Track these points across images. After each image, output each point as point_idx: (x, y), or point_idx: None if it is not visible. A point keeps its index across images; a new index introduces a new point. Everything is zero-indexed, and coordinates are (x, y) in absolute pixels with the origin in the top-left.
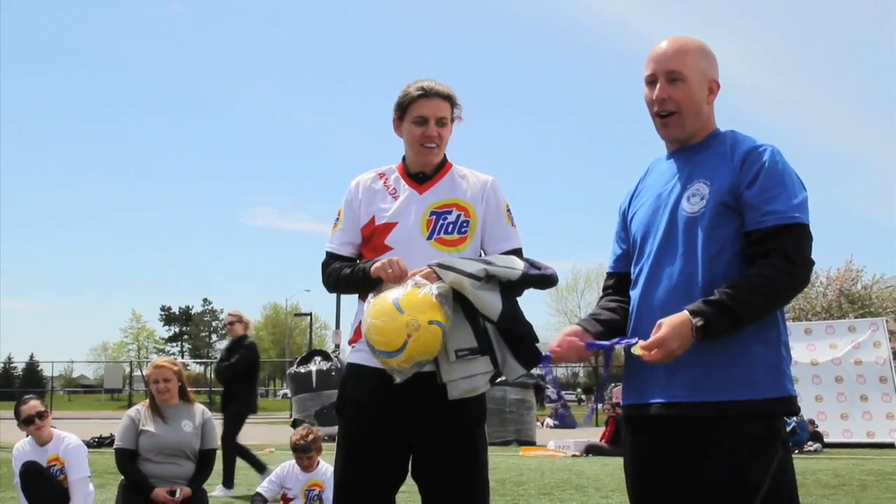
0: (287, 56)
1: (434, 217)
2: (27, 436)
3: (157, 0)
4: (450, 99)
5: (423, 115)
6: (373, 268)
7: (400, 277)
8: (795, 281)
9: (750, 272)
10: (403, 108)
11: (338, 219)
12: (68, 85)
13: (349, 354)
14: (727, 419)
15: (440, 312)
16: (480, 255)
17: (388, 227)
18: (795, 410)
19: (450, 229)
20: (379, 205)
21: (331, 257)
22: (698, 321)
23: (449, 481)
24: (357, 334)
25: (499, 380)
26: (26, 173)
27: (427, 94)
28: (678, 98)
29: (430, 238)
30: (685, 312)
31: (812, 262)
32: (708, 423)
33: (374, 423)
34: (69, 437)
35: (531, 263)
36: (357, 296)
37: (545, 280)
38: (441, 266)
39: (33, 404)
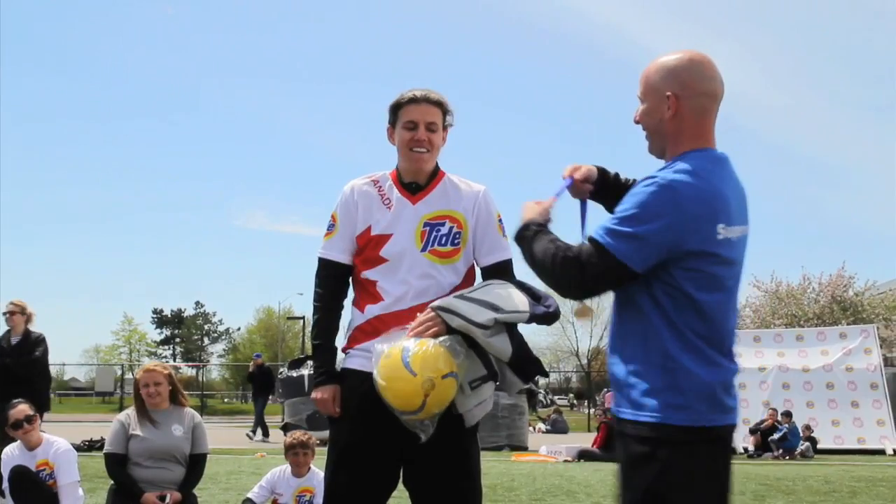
0: (279, 58)
1: (427, 229)
2: (16, 440)
3: (151, 2)
4: (440, 105)
5: (412, 120)
6: (315, 394)
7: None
8: (557, 274)
9: (561, 243)
10: (394, 114)
11: (333, 224)
12: (61, 87)
13: (343, 360)
14: (623, 435)
15: (452, 362)
16: (473, 264)
17: (383, 238)
18: (674, 439)
19: (443, 241)
20: (375, 214)
21: (326, 265)
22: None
23: (441, 489)
24: (350, 342)
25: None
26: (18, 175)
27: (417, 99)
28: (639, 119)
29: (424, 250)
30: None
31: (586, 284)
32: (620, 435)
33: (365, 429)
34: (58, 442)
35: (530, 293)
36: (351, 303)
37: (550, 318)
38: (445, 310)
39: (21, 408)
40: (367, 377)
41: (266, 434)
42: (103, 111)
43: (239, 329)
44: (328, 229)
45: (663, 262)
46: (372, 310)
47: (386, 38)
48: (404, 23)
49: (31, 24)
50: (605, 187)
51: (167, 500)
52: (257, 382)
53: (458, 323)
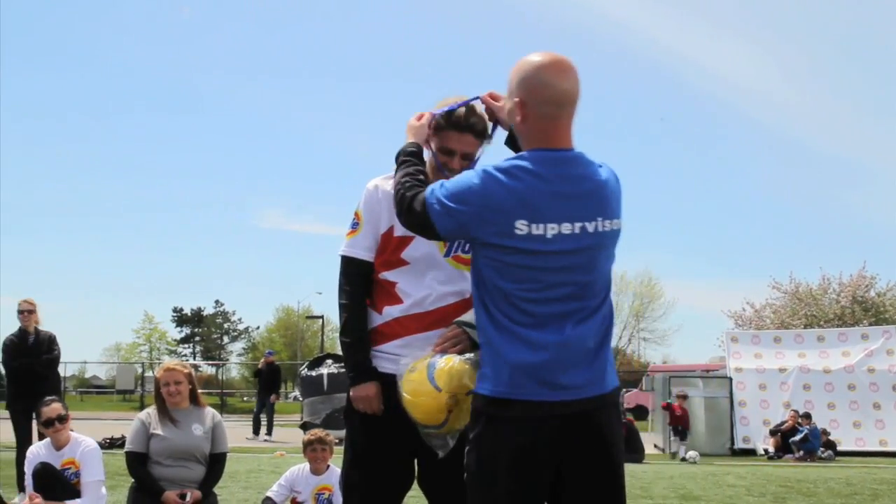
0: (295, 55)
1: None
2: (43, 437)
3: (168, 2)
4: (483, 136)
5: (451, 149)
6: (356, 391)
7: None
8: (404, 205)
9: (408, 180)
10: (436, 129)
11: (357, 223)
12: (80, 82)
13: None
14: None
15: (476, 378)
16: None
17: (405, 240)
18: (486, 409)
19: (466, 247)
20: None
21: (350, 263)
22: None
23: (456, 486)
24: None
25: None
26: (37, 172)
27: (461, 127)
28: (507, 115)
29: (447, 255)
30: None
31: (402, 217)
32: None
33: (379, 429)
34: (86, 441)
35: None
36: (367, 302)
37: None
38: (470, 326)
39: (55, 407)
40: (384, 379)
41: (256, 432)
42: (120, 108)
43: (258, 328)
44: (352, 227)
45: (474, 248)
46: (391, 311)
47: (402, 34)
48: (420, 18)
49: (42, 19)
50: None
51: (188, 498)
52: (265, 380)
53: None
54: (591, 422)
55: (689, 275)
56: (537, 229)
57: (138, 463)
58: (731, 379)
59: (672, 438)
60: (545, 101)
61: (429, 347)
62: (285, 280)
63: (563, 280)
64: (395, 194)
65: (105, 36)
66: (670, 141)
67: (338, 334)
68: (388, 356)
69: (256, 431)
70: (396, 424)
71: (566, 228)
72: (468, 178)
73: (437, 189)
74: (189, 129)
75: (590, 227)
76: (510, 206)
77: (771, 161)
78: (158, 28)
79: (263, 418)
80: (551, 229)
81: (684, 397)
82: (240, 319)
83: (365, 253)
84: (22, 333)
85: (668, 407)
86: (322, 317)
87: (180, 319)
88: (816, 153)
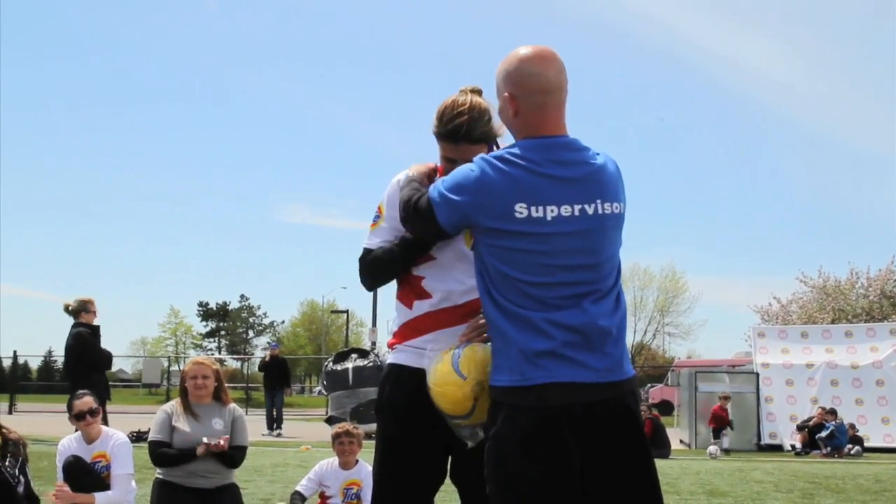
0: (319, 49)
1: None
2: (76, 430)
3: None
4: (485, 140)
5: (449, 157)
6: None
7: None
8: (410, 209)
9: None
10: (436, 137)
11: (378, 216)
12: (108, 76)
13: (389, 355)
14: None
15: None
16: None
17: None
18: (504, 400)
19: None
20: None
21: (367, 253)
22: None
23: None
24: (396, 337)
25: None
26: (63, 165)
27: (456, 139)
28: (500, 118)
29: (474, 248)
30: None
31: (407, 213)
32: None
33: (411, 424)
34: (117, 434)
35: None
36: (395, 297)
37: None
38: None
39: (87, 400)
40: (415, 372)
41: (271, 427)
42: (149, 101)
43: (283, 322)
44: (374, 220)
45: (476, 237)
46: (420, 307)
47: (431, 27)
48: (449, 11)
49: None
50: None
51: (220, 442)
52: (272, 374)
53: None
54: (618, 409)
55: (714, 269)
56: (537, 212)
57: (161, 448)
58: (757, 374)
59: (714, 441)
60: (534, 90)
61: (454, 333)
62: (310, 275)
63: (568, 263)
64: (403, 207)
65: (134, 30)
66: (696, 135)
67: (362, 329)
68: (418, 351)
69: (271, 426)
70: (429, 418)
71: (565, 211)
72: (465, 168)
73: (438, 184)
74: (216, 124)
75: (589, 209)
76: (508, 191)
77: (799, 155)
78: (187, 21)
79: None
80: (551, 212)
81: (727, 398)
82: (265, 314)
83: (385, 245)
84: (94, 329)
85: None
86: (347, 311)
87: (206, 314)
88: (846, 148)
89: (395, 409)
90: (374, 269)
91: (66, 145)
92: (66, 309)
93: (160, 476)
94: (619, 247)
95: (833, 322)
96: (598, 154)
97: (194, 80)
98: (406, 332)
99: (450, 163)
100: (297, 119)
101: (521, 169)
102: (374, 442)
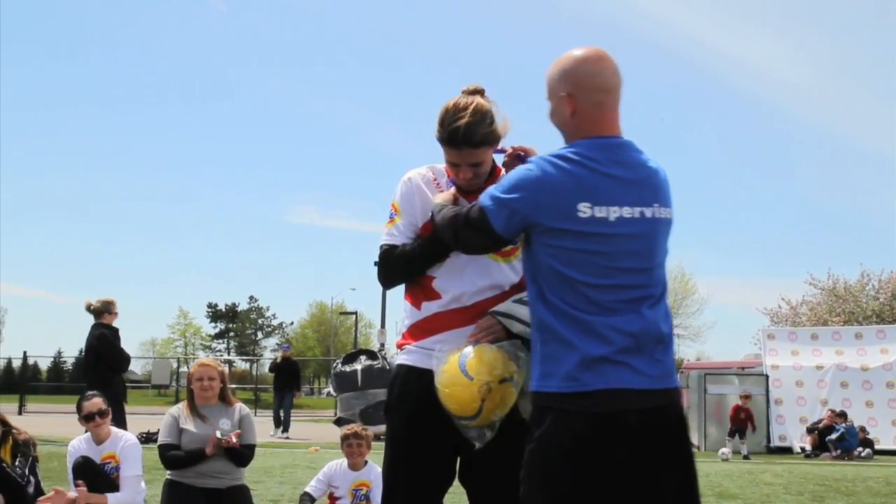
0: (327, 51)
1: None
2: (85, 432)
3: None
4: (486, 144)
5: (454, 162)
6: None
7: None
8: (451, 228)
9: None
10: (439, 142)
11: (394, 214)
12: (117, 75)
13: (398, 356)
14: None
15: (511, 367)
16: None
17: None
18: (556, 405)
19: None
20: None
21: (392, 248)
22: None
23: (497, 483)
24: (404, 338)
25: None
26: (71, 165)
27: (457, 143)
28: (550, 119)
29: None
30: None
31: (458, 231)
32: None
33: (421, 424)
34: (126, 435)
35: None
36: (404, 298)
37: None
38: (505, 315)
39: (96, 401)
40: (424, 373)
41: (281, 428)
42: (158, 101)
43: (292, 324)
44: (390, 218)
45: (531, 239)
46: (430, 307)
47: (440, 28)
48: (457, 12)
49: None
50: None
51: (232, 440)
52: (282, 375)
53: (519, 328)
54: (669, 417)
55: (724, 271)
56: (600, 212)
57: (171, 451)
58: (767, 376)
59: (739, 441)
60: (593, 89)
61: (462, 333)
62: (319, 276)
63: (629, 266)
64: (446, 228)
65: (144, 30)
66: (705, 136)
67: (371, 330)
68: (427, 352)
69: (278, 425)
70: (438, 419)
71: (627, 212)
72: (522, 169)
73: (491, 191)
74: (225, 124)
75: (647, 212)
76: (570, 189)
77: (807, 156)
78: (196, 22)
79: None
80: (614, 212)
81: (748, 397)
82: (274, 315)
83: (404, 241)
84: (115, 331)
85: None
86: (356, 313)
87: (215, 315)
88: (855, 148)
89: (404, 409)
90: (395, 268)
91: (74, 145)
92: (89, 308)
93: (170, 477)
94: (667, 255)
95: (844, 324)
96: (650, 158)
97: (203, 80)
98: (415, 332)
99: (454, 167)
100: (305, 120)
101: (584, 168)
102: (383, 443)
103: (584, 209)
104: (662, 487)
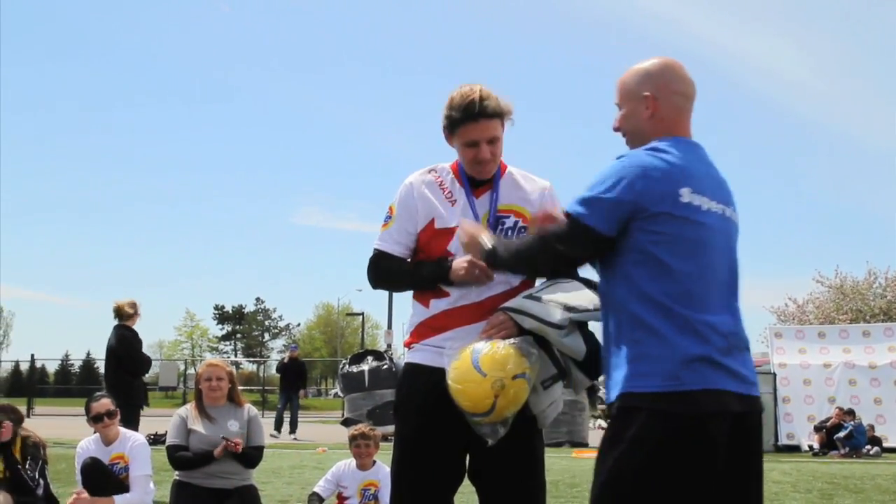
0: (336, 51)
1: (493, 222)
2: (94, 433)
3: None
4: (499, 115)
5: (473, 140)
6: (455, 270)
7: (485, 278)
8: (540, 252)
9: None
10: (451, 128)
11: (389, 217)
12: (122, 77)
13: (406, 355)
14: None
15: (523, 363)
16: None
17: (447, 232)
18: (651, 406)
19: (509, 234)
20: (437, 208)
21: (380, 256)
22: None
23: (507, 482)
24: (413, 336)
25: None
26: (77, 167)
27: (475, 116)
28: (619, 125)
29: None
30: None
31: (567, 245)
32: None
33: (431, 423)
34: (135, 436)
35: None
36: (412, 296)
37: None
38: (516, 311)
39: (104, 402)
40: (433, 372)
41: (278, 429)
42: (163, 103)
43: (299, 325)
44: (385, 220)
45: (629, 228)
46: (438, 305)
47: (444, 29)
48: (462, 13)
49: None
50: None
51: (232, 445)
52: (289, 376)
53: (531, 324)
54: (756, 423)
55: None
56: (696, 200)
57: (179, 452)
58: (774, 374)
59: None
60: (676, 93)
61: (472, 330)
62: (325, 277)
63: (720, 261)
64: (523, 259)
65: (149, 32)
66: (712, 134)
67: (377, 331)
68: (436, 349)
69: (279, 427)
70: (447, 418)
71: (715, 206)
72: (612, 164)
73: (576, 199)
74: (230, 126)
75: (727, 211)
76: (672, 173)
77: (813, 154)
78: (201, 24)
79: (287, 415)
80: (706, 203)
81: None
82: (280, 317)
83: (394, 246)
84: (134, 333)
85: None
86: (362, 314)
87: (222, 317)
88: (862, 148)
89: (414, 408)
90: (383, 277)
91: (80, 147)
92: (120, 310)
93: (179, 477)
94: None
95: (851, 322)
96: None
97: (208, 82)
98: (423, 330)
99: (472, 147)
100: (310, 122)
101: (678, 157)
102: (390, 444)
103: (685, 194)
104: (750, 491)
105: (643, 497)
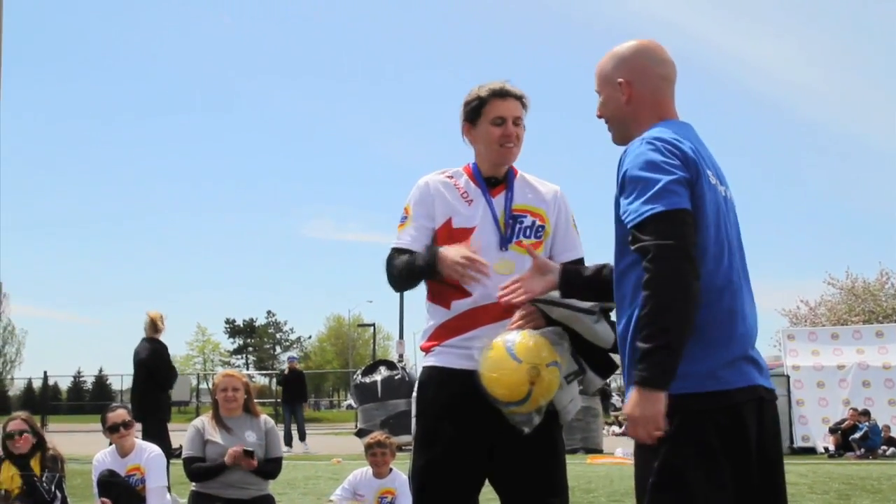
0: (342, 63)
1: (511, 221)
2: (110, 444)
3: (209, 12)
4: (522, 100)
5: (500, 116)
6: (444, 264)
7: (476, 278)
8: (667, 272)
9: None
10: (477, 110)
11: (406, 217)
12: (127, 90)
13: (426, 358)
14: None
15: (555, 352)
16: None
17: (466, 231)
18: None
19: (527, 233)
20: (454, 207)
21: (395, 251)
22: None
23: (530, 483)
24: (431, 339)
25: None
26: (86, 181)
27: (502, 94)
28: (600, 112)
29: (510, 242)
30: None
31: (681, 241)
32: None
33: (459, 424)
34: (151, 447)
35: None
36: (428, 300)
37: None
38: (544, 302)
39: (120, 413)
40: (456, 375)
41: (289, 443)
42: (170, 117)
43: (310, 337)
44: (401, 221)
45: None
46: (460, 305)
47: (451, 38)
48: (469, 21)
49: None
50: (572, 289)
51: (253, 457)
52: (291, 387)
53: (561, 314)
54: (774, 411)
55: None
56: (715, 182)
57: (196, 463)
58: (788, 377)
59: None
60: (653, 75)
61: (495, 330)
62: (335, 289)
63: (737, 245)
64: (666, 274)
65: (154, 44)
66: (721, 138)
67: (389, 342)
68: (460, 351)
69: (289, 442)
70: (475, 420)
71: (719, 187)
72: (637, 158)
73: (638, 206)
74: (237, 139)
75: (729, 193)
76: (696, 157)
77: (821, 156)
78: (205, 36)
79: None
80: (719, 185)
81: None
82: (291, 329)
83: (412, 243)
84: (164, 345)
85: None
86: (373, 325)
87: (233, 331)
88: (870, 148)
89: (440, 410)
90: (396, 271)
91: (87, 163)
92: (153, 322)
93: (196, 488)
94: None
95: (864, 323)
96: None
97: (214, 94)
98: (443, 332)
99: (498, 126)
100: (318, 133)
101: (684, 140)
102: (405, 453)
103: (710, 175)
104: (779, 478)
105: (695, 489)
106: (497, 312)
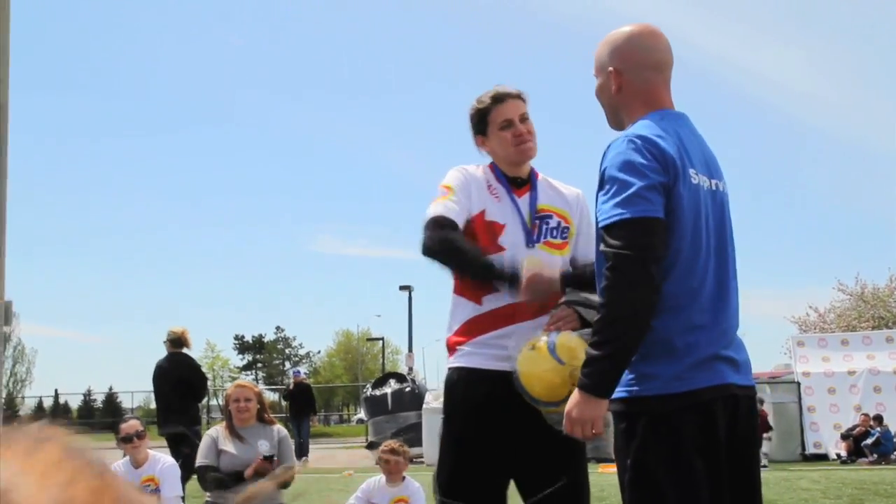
0: (346, 79)
1: (538, 221)
2: (124, 455)
3: (219, 30)
4: (520, 96)
5: (506, 118)
6: (524, 283)
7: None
8: (622, 283)
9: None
10: (483, 121)
11: (447, 192)
12: (135, 106)
13: (454, 358)
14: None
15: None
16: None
17: (497, 226)
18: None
19: (554, 234)
20: (486, 200)
21: (443, 219)
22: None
23: (553, 481)
24: (461, 334)
25: None
26: (94, 198)
27: (501, 97)
28: (596, 95)
29: (538, 241)
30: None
31: (641, 252)
32: None
33: (488, 426)
34: (165, 458)
35: None
36: (455, 292)
37: None
38: (579, 304)
39: (133, 423)
40: (486, 376)
41: (299, 458)
42: (176, 134)
43: (319, 352)
44: (442, 194)
45: None
46: (492, 301)
47: (450, 54)
48: (471, 34)
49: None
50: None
51: (273, 460)
52: (297, 401)
53: (593, 316)
54: (746, 406)
55: (749, 281)
56: (697, 179)
57: (210, 472)
58: (798, 384)
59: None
60: (644, 65)
61: (537, 332)
62: (344, 304)
63: (715, 244)
64: (623, 283)
65: (164, 64)
66: (729, 145)
67: (398, 356)
68: (489, 349)
69: (300, 457)
70: (506, 417)
71: (705, 183)
72: (618, 156)
73: (609, 208)
74: (243, 156)
75: (719, 185)
76: (678, 154)
77: (828, 163)
78: (214, 55)
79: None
80: (703, 181)
81: (761, 402)
82: (300, 345)
83: (459, 217)
84: (187, 355)
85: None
86: (382, 338)
87: (242, 347)
88: (878, 155)
89: (472, 410)
90: (444, 242)
91: (97, 179)
92: (182, 336)
93: (209, 499)
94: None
95: (874, 328)
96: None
97: (222, 109)
98: (473, 328)
99: (507, 129)
100: (324, 149)
101: (668, 136)
102: (416, 465)
103: (693, 174)
104: (753, 472)
105: (664, 487)
106: (531, 311)
